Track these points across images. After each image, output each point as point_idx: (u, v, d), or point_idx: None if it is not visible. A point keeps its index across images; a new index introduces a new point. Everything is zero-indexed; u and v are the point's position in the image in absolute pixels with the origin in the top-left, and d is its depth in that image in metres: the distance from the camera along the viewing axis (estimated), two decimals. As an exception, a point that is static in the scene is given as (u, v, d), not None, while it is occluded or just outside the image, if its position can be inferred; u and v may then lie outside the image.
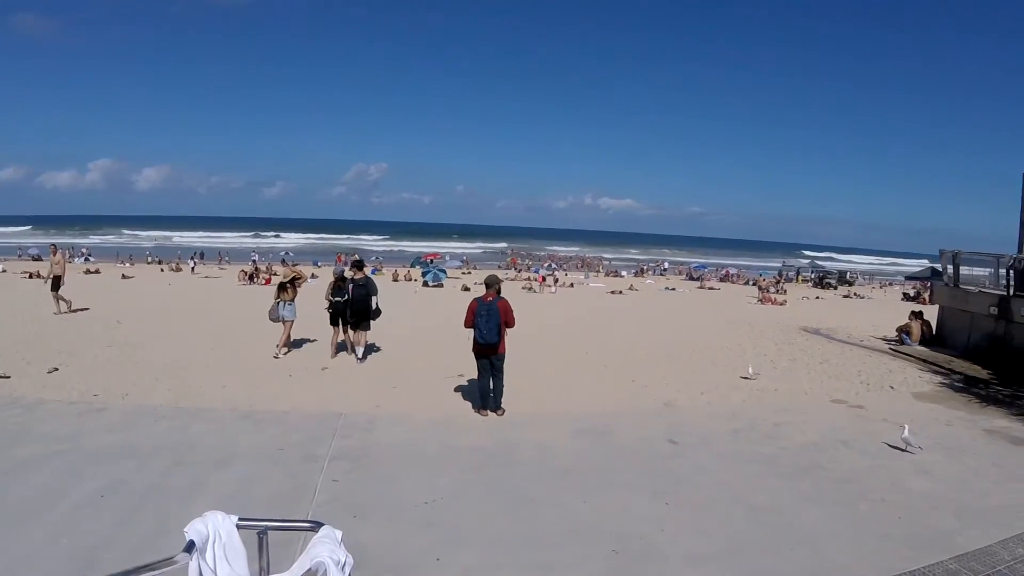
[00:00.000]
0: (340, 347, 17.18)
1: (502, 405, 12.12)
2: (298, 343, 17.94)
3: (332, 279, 17.23)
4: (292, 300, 17.27)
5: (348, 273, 17.72)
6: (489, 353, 11.95)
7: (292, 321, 17.31)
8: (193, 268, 52.67)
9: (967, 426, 13.17)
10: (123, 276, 43.64)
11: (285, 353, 17.03)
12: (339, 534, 3.25)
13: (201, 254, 64.86)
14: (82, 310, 23.17)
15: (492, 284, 12.21)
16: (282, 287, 17.36)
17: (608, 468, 9.42)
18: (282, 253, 76.39)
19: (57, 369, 14.33)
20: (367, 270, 19.80)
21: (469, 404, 12.57)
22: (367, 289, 16.80)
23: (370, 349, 17.49)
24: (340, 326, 17.03)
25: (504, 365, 12.22)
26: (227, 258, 67.32)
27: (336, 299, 16.76)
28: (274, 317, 17.34)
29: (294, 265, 34.95)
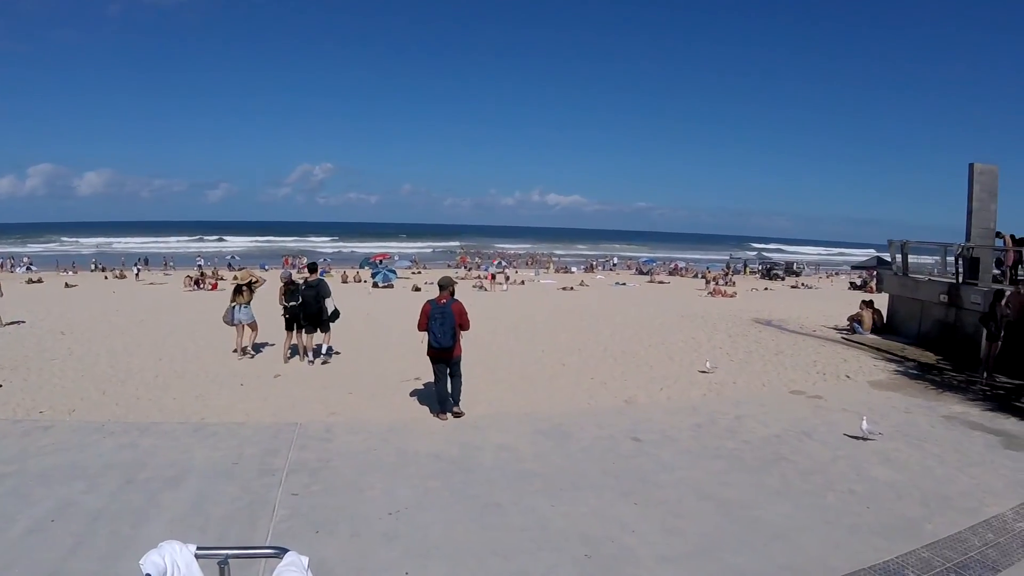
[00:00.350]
0: (293, 351, 16.97)
1: (460, 407, 11.89)
2: (249, 348, 17.50)
3: (282, 283, 16.95)
4: (248, 303, 17.29)
5: (298, 276, 17.87)
6: (445, 357, 11.69)
7: (252, 323, 17.35)
8: (138, 275, 51.57)
9: (925, 413, 13.27)
10: (66, 285, 42.53)
11: (251, 357, 17.04)
12: (305, 560, 3.02)
13: (145, 260, 63.43)
14: (17, 323, 22.41)
15: (445, 286, 11.93)
16: (238, 290, 17.30)
17: (573, 469, 9.27)
18: (228, 257, 75.55)
19: (1, 385, 13.80)
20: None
21: (427, 408, 12.29)
22: (318, 291, 16.70)
23: (330, 352, 17.32)
24: (295, 330, 16.80)
25: (461, 367, 12.04)
26: (172, 264, 66.16)
27: (291, 303, 16.55)
28: (228, 320, 17.36)
29: (241, 268, 34.58)
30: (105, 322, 23.91)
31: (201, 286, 40.84)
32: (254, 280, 17.73)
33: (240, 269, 29.69)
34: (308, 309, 16.52)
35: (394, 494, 8.13)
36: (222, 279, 44.93)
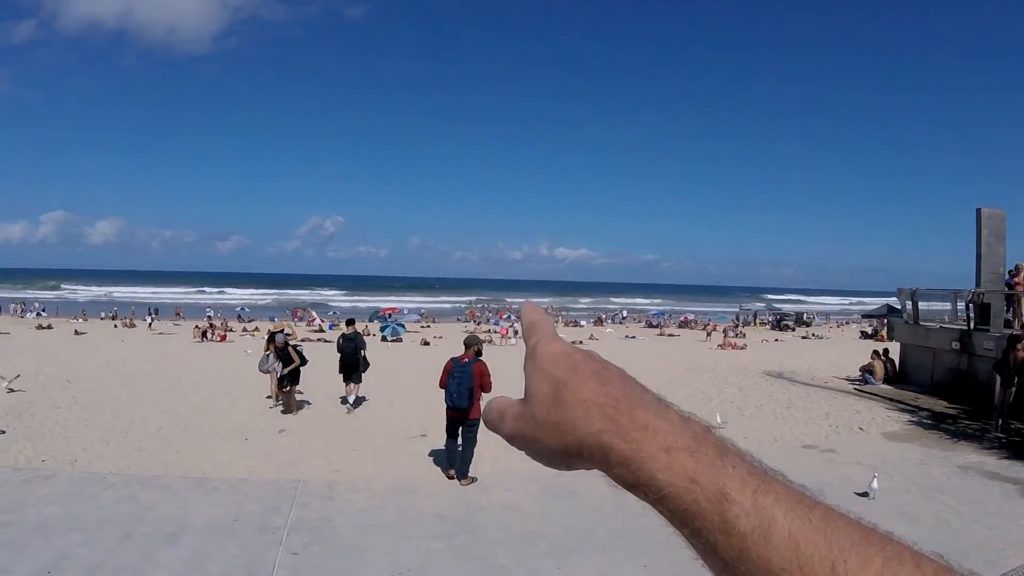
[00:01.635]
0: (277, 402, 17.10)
1: (468, 474, 11.35)
2: (253, 404, 17.32)
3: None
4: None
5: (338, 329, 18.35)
6: (459, 417, 11.25)
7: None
8: (151, 324, 51.52)
9: (940, 463, 13.10)
10: (76, 332, 42.47)
11: (276, 401, 17.25)
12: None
13: (156, 310, 63.46)
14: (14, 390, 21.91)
15: (471, 344, 11.61)
16: (271, 338, 17.69)
17: (580, 529, 9.04)
18: (237, 309, 75.37)
19: (4, 432, 13.74)
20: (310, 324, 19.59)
21: (432, 466, 12.09)
22: (355, 343, 17.41)
23: (359, 401, 17.61)
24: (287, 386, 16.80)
25: (478, 432, 11.29)
26: (182, 314, 66.00)
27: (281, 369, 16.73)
28: (264, 368, 17.53)
29: (250, 320, 34.59)
30: (111, 371, 23.79)
31: (209, 337, 40.65)
32: (287, 331, 18.42)
33: (251, 321, 29.60)
34: (346, 360, 17.14)
35: (396, 556, 7.90)
36: (231, 331, 44.81)
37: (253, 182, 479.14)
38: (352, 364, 17.34)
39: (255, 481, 10.89)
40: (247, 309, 74.82)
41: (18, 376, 18.93)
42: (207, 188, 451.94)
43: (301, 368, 17.09)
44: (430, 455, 12.74)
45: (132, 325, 51.59)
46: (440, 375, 11.40)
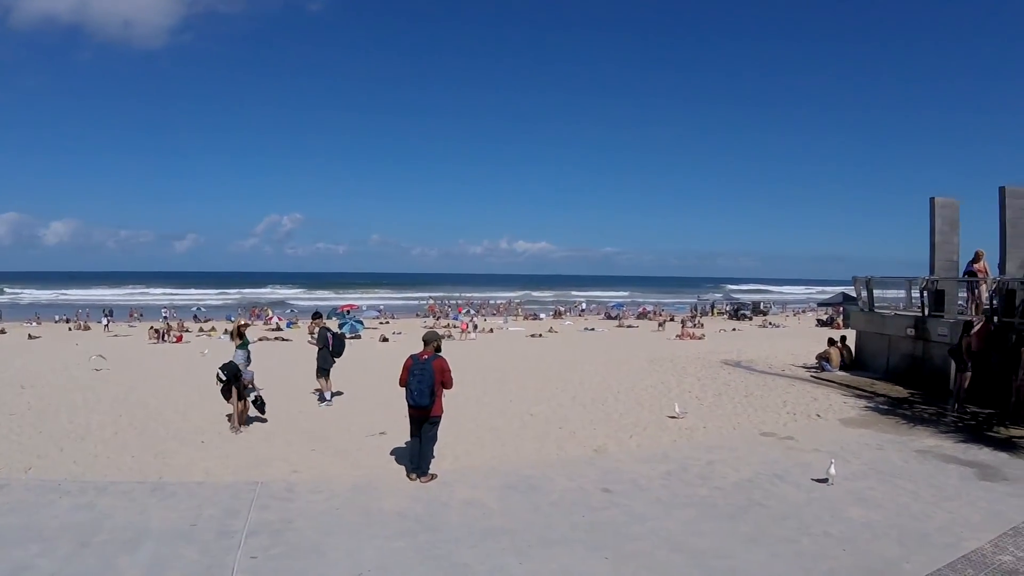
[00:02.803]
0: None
1: (429, 471, 11.18)
2: (211, 405, 17.06)
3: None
4: (243, 346, 17.23)
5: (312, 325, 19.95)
6: (420, 415, 11.07)
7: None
8: (107, 326, 50.83)
9: (898, 448, 13.30)
10: (29, 336, 42.21)
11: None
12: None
13: (110, 312, 62.42)
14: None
15: (429, 341, 11.37)
16: (239, 332, 17.68)
17: (542, 524, 9.03)
18: (193, 308, 74.38)
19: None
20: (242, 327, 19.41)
21: (393, 464, 11.93)
22: (341, 336, 18.26)
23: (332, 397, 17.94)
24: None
25: (438, 429, 11.34)
26: (139, 315, 65.12)
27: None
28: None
29: (207, 320, 34.25)
30: (66, 375, 23.50)
31: (166, 339, 40.19)
32: (243, 324, 18.43)
33: (207, 320, 29.28)
34: (337, 355, 17.80)
35: (357, 556, 7.82)
36: (187, 331, 44.37)
37: (211, 180, 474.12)
38: (336, 357, 17.76)
39: (213, 484, 10.72)
40: (203, 309, 74.07)
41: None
42: (164, 186, 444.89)
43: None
44: (391, 453, 12.60)
45: (87, 328, 50.95)
46: (400, 373, 11.19)
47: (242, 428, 14.78)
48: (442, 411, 11.32)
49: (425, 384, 10.76)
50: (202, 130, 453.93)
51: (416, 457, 11.24)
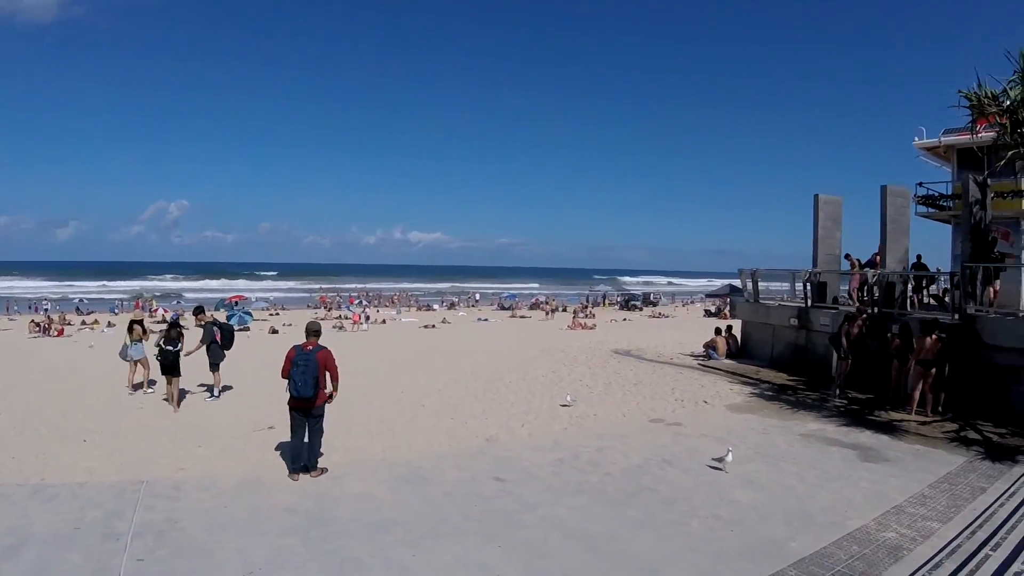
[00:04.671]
0: (167, 399, 16.42)
1: (318, 465, 11.00)
2: (94, 401, 16.59)
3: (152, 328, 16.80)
4: (141, 340, 17.74)
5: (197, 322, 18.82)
6: (304, 407, 10.78)
7: (144, 359, 17.74)
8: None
9: (782, 432, 13.70)
10: None
11: (151, 393, 17.43)
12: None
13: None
14: None
15: (312, 331, 11.12)
16: (131, 327, 17.85)
17: (434, 515, 9.01)
18: (76, 300, 71.96)
19: None
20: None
21: (282, 459, 11.56)
22: (230, 328, 18.09)
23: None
24: (169, 379, 16.28)
25: (323, 422, 11.12)
26: (17, 308, 62.37)
27: (168, 348, 16.27)
28: (124, 356, 17.83)
29: (89, 313, 33.30)
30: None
31: (48, 332, 38.77)
32: (140, 321, 18.44)
33: (90, 313, 28.47)
34: (227, 348, 17.38)
35: (247, 555, 7.66)
36: (70, 324, 42.87)
37: (95, 163, 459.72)
38: (226, 350, 17.47)
39: (97, 485, 10.30)
40: (86, 301, 71.45)
41: None
42: (46, 170, 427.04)
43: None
44: (279, 448, 12.27)
45: (-39, 322, 48.81)
46: (283, 364, 10.88)
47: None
48: (326, 400, 11.08)
49: (309, 375, 10.54)
50: (87, 112, 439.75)
51: (297, 456, 10.95)
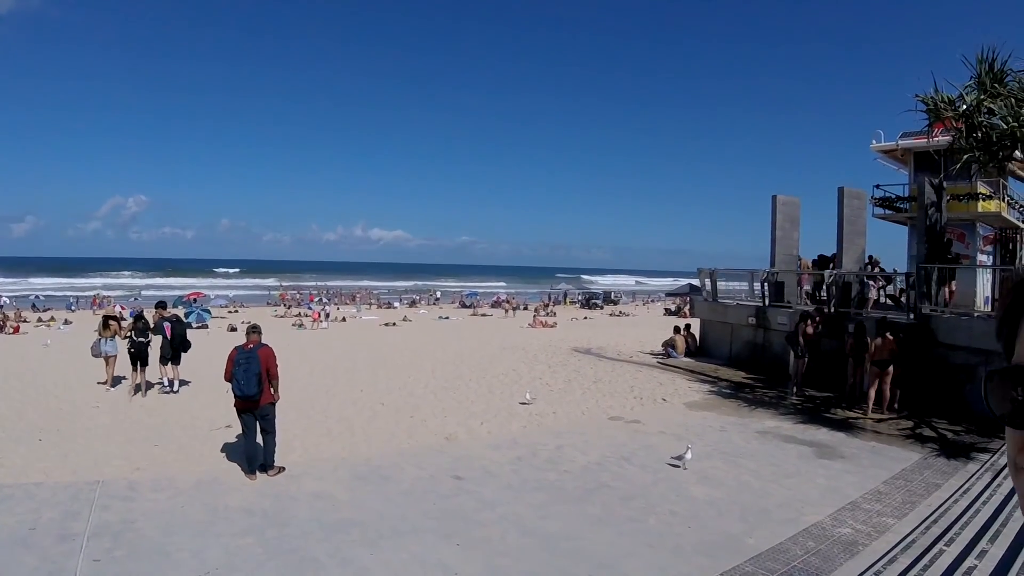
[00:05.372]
0: (136, 388, 17.24)
1: (275, 464, 10.87)
2: (48, 400, 16.36)
3: (126, 320, 18.35)
4: (114, 336, 17.97)
5: (150, 314, 19.21)
6: (251, 407, 10.69)
7: (115, 356, 17.94)
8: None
9: (739, 430, 13.83)
10: None
11: (108, 389, 17.72)
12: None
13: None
14: None
15: (253, 330, 11.11)
16: (106, 323, 18.06)
17: (392, 514, 8.98)
18: (32, 297, 70.79)
19: None
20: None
21: (238, 458, 11.38)
22: (184, 325, 18.58)
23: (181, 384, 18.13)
24: (139, 368, 17.29)
25: (274, 420, 10.95)
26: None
27: (140, 339, 17.24)
28: (96, 352, 18.06)
29: (46, 310, 32.96)
30: None
31: (2, 329, 38.05)
32: (113, 317, 18.86)
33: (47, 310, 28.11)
34: (178, 341, 17.78)
35: (203, 555, 7.59)
36: (25, 321, 42.17)
37: (51, 158, 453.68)
38: (179, 347, 17.82)
39: (52, 485, 10.15)
40: (41, 298, 70.28)
41: None
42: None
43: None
44: (235, 447, 12.14)
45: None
46: (225, 366, 10.82)
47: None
48: (273, 399, 10.97)
49: (252, 373, 10.47)
50: (41, 105, 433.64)
51: (253, 457, 10.83)
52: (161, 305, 19.71)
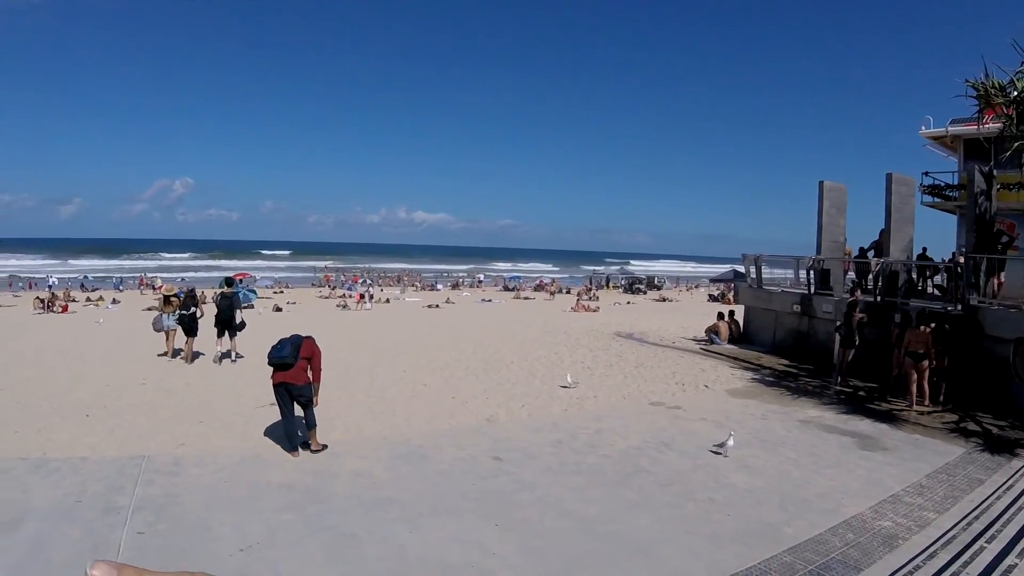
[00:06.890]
0: (223, 356, 19.23)
1: (319, 440, 10.82)
2: (97, 377, 16.63)
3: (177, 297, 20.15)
4: (174, 312, 19.60)
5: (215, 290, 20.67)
6: (285, 380, 10.63)
7: (175, 330, 19.67)
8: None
9: (781, 418, 13.68)
10: (-98, 308, 39.80)
11: (172, 357, 19.58)
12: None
13: (-9, 280, 59.64)
14: None
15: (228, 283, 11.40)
16: (167, 301, 20.17)
17: (432, 493, 9.06)
18: (81, 277, 71.69)
19: None
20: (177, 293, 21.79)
21: (282, 436, 11.32)
22: (231, 301, 19.26)
23: (238, 356, 19.34)
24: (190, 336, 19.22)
25: (311, 396, 10.88)
26: (21, 285, 62.20)
27: (184, 313, 19.19)
28: (158, 327, 19.95)
29: (95, 290, 33.92)
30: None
31: (52, 308, 38.62)
32: (174, 295, 20.97)
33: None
34: (222, 316, 18.87)
35: (244, 529, 7.70)
36: (74, 300, 42.80)
37: (97, 141, 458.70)
38: (227, 320, 18.91)
39: (97, 460, 10.32)
40: (90, 278, 71.29)
41: None
42: (47, 148, 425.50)
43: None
44: (279, 425, 11.90)
45: (-34, 299, 48.65)
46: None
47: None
48: (310, 381, 10.86)
49: (288, 343, 10.65)
50: (88, 90, 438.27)
51: (293, 434, 10.88)
52: (228, 282, 21.82)
